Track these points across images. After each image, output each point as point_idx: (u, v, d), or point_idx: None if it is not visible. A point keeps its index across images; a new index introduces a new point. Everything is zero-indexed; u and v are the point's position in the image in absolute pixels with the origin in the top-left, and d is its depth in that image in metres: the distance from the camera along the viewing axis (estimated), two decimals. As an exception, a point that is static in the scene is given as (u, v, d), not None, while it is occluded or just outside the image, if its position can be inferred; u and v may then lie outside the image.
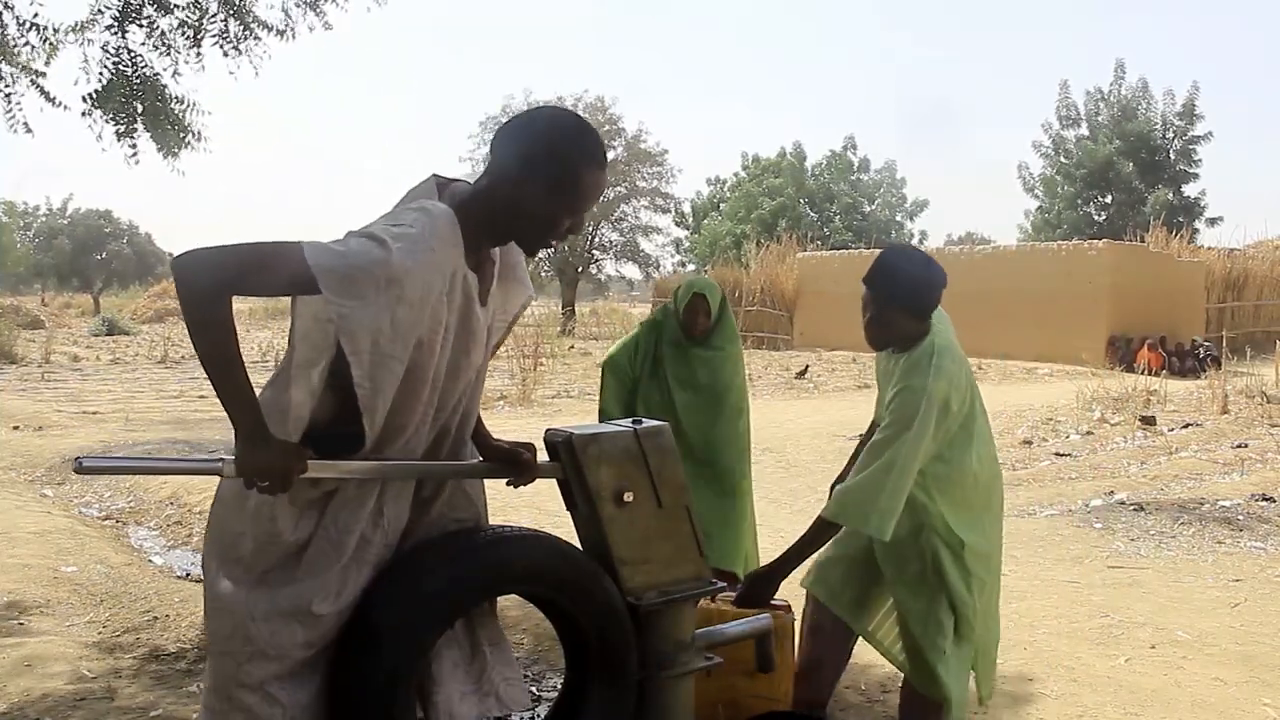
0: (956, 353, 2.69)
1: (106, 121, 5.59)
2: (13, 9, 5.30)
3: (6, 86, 5.45)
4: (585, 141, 1.97)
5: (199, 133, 5.92)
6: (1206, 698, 3.59)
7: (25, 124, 5.51)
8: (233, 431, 1.82)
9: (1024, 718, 3.41)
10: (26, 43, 5.34)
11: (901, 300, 2.67)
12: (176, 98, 5.76)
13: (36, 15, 5.35)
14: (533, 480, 2.31)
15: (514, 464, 2.28)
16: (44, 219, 48.26)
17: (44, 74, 5.53)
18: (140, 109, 5.62)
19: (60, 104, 5.53)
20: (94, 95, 5.47)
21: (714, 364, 3.78)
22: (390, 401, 1.90)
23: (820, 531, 2.69)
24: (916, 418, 2.55)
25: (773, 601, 2.81)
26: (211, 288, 1.75)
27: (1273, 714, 3.49)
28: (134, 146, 5.70)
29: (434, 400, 2.01)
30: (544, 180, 1.93)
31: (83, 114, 5.49)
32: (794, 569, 2.76)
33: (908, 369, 2.65)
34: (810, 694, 2.88)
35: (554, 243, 2.04)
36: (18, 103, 5.48)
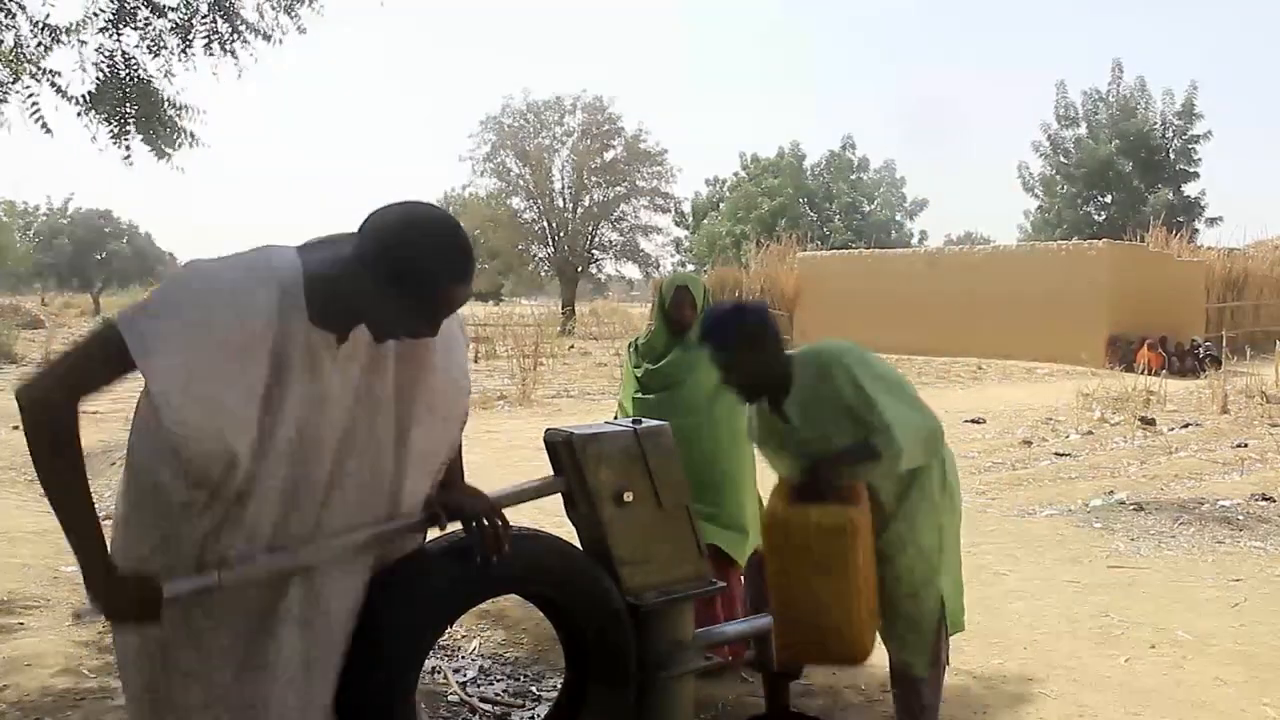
0: None
1: (101, 123, 5.56)
2: (25, 9, 5.27)
3: (23, 88, 5.41)
4: (448, 258, 1.79)
5: (192, 134, 5.91)
6: (1206, 698, 3.59)
7: (44, 124, 5.46)
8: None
9: (1024, 718, 3.41)
10: (40, 44, 5.30)
11: (760, 342, 2.65)
12: (170, 101, 5.74)
13: (49, 16, 5.33)
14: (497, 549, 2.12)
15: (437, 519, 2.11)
16: (44, 219, 48.23)
17: (59, 73, 5.49)
18: (133, 111, 5.60)
19: (72, 98, 5.48)
20: (87, 96, 5.44)
21: (676, 368, 3.61)
22: (217, 446, 1.81)
23: (879, 462, 2.60)
24: (869, 364, 2.64)
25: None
26: (65, 417, 1.77)
27: (1273, 714, 3.48)
28: (128, 149, 5.67)
29: (274, 466, 1.88)
30: (395, 290, 1.76)
31: (78, 114, 5.47)
32: (850, 466, 2.63)
33: (819, 374, 2.65)
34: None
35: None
36: (35, 104, 5.44)
